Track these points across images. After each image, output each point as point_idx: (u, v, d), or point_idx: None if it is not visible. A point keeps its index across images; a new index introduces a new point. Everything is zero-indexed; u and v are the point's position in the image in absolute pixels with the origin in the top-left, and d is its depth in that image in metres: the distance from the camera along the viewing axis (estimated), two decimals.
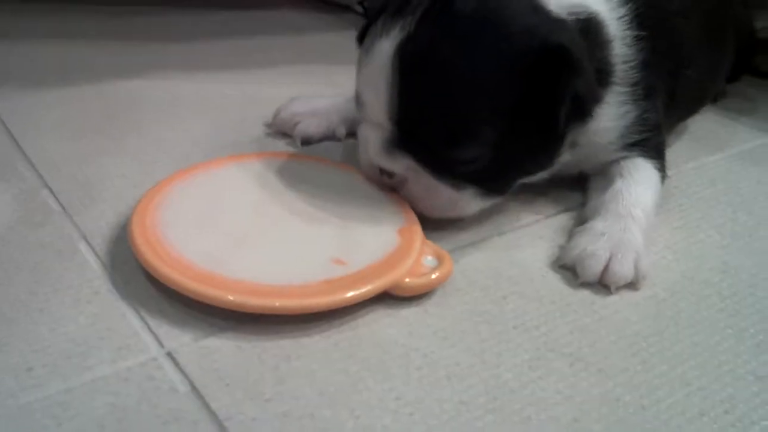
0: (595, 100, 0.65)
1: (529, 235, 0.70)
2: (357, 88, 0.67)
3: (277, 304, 0.55)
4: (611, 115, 0.69)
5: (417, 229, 0.64)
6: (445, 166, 0.64)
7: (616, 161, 0.72)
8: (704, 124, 0.91)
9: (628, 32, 0.69)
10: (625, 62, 0.69)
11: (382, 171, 0.66)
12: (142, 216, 0.62)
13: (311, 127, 0.82)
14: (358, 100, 0.67)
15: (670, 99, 0.76)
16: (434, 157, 0.64)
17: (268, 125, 0.85)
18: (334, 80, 0.98)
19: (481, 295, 0.61)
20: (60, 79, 0.93)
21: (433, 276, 0.60)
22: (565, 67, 0.61)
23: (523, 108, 0.62)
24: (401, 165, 0.65)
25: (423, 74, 0.61)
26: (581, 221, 0.70)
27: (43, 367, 0.51)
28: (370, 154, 0.66)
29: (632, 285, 0.63)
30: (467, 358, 0.55)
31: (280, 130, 0.83)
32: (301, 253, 0.61)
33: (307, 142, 0.82)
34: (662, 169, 0.73)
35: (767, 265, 0.68)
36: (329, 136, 0.83)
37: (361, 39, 0.71)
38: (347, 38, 1.16)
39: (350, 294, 0.56)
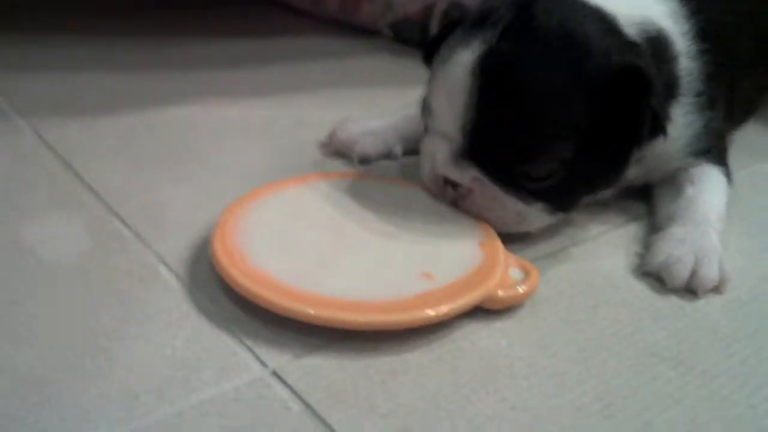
0: (667, 117, 0.66)
1: (603, 245, 0.70)
2: (428, 98, 0.67)
3: (381, 319, 0.54)
4: (678, 125, 0.70)
5: (497, 241, 0.64)
6: (514, 181, 0.64)
7: (684, 169, 0.73)
8: (750, 134, 0.92)
9: (692, 47, 0.71)
10: (690, 75, 0.70)
11: (447, 182, 0.66)
12: (222, 236, 0.61)
13: (369, 146, 0.82)
14: (428, 110, 0.67)
15: (729, 109, 0.77)
16: (504, 170, 0.64)
17: (324, 146, 0.85)
18: (378, 103, 0.98)
19: (570, 304, 0.61)
20: (105, 109, 0.92)
21: (523, 287, 0.60)
22: (644, 86, 0.62)
23: (598, 127, 0.62)
24: (468, 176, 0.65)
25: (502, 87, 0.62)
26: (654, 230, 0.70)
27: (148, 393, 0.50)
28: (436, 164, 0.66)
29: (717, 289, 0.63)
30: (572, 366, 0.54)
31: (337, 150, 0.83)
32: (387, 269, 0.60)
33: (365, 161, 0.82)
34: (728, 175, 0.74)
35: None
36: (386, 155, 0.83)
37: (427, 56, 0.71)
38: (382, 61, 1.19)
39: (450, 307, 0.56)
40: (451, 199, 0.67)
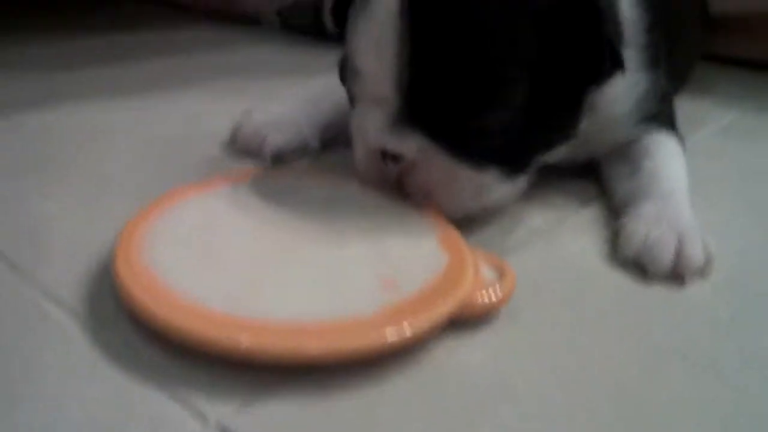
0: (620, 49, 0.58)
1: (566, 232, 0.62)
2: (350, 56, 0.56)
3: (344, 345, 0.43)
4: (624, 82, 0.62)
5: (460, 238, 0.54)
6: (465, 142, 0.54)
7: (634, 141, 0.66)
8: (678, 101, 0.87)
9: None
10: (632, 24, 0.63)
11: (386, 156, 0.56)
12: (126, 258, 0.49)
13: (281, 140, 0.70)
14: (351, 73, 0.56)
15: (670, 69, 0.71)
16: (453, 131, 0.54)
17: (229, 144, 0.73)
18: (274, 93, 0.88)
19: (551, 302, 0.53)
20: None
21: (501, 291, 0.50)
22: (595, 15, 0.54)
23: (550, 65, 0.54)
24: (412, 145, 0.54)
25: (438, 28, 0.52)
26: (616, 211, 0.63)
27: None
28: (370, 136, 0.55)
29: (702, 270, 0.56)
30: (575, 375, 0.46)
31: (244, 148, 0.71)
32: (340, 279, 0.49)
33: (278, 159, 0.70)
34: (682, 141, 0.68)
35: None
36: (302, 149, 0.72)
37: (337, 15, 0.61)
38: (272, 51, 1.08)
39: (428, 322, 0.45)
40: (395, 176, 0.57)
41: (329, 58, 0.63)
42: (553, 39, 0.53)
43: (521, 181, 0.60)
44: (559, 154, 0.63)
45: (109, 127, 0.78)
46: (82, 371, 0.44)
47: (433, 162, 0.55)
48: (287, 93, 0.79)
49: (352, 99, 0.59)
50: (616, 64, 0.56)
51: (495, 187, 0.57)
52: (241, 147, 0.71)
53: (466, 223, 0.58)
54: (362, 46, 0.55)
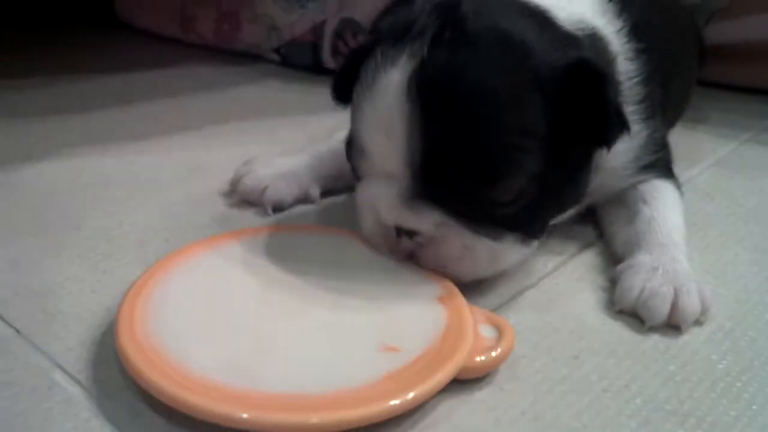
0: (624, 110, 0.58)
1: (564, 281, 0.63)
2: (356, 136, 0.57)
3: (348, 416, 0.44)
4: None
5: (458, 294, 0.55)
6: (481, 214, 0.55)
7: (632, 187, 0.67)
8: (673, 137, 0.88)
9: (628, 45, 0.64)
10: (629, 78, 0.64)
11: (400, 233, 0.56)
12: (128, 328, 0.50)
13: (281, 191, 0.71)
14: (358, 151, 0.57)
15: (664, 113, 0.71)
16: (468, 204, 0.54)
17: (229, 195, 0.74)
18: (275, 137, 0.89)
19: (550, 359, 0.53)
20: None
21: (500, 349, 0.51)
22: (598, 80, 0.54)
23: (559, 132, 0.54)
24: (429, 221, 0.54)
25: (447, 104, 0.52)
26: (614, 258, 0.64)
27: None
28: (383, 213, 0.56)
29: (698, 319, 0.57)
30: None
31: (244, 198, 0.72)
32: (342, 347, 0.50)
33: (278, 208, 0.71)
34: (679, 187, 0.69)
35: None
36: (302, 199, 0.73)
37: (337, 90, 0.62)
38: (271, 89, 1.08)
39: (425, 388, 0.46)
40: (407, 252, 0.57)
41: (328, 96, 0.64)
42: (562, 106, 0.54)
43: (535, 244, 0.60)
44: (572, 211, 0.64)
45: (107, 178, 0.78)
46: None
47: (450, 236, 0.55)
48: (286, 139, 0.80)
49: (357, 174, 0.59)
50: (623, 126, 0.56)
51: (511, 252, 0.58)
52: (241, 196, 0.72)
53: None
54: (370, 125, 0.55)
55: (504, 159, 0.53)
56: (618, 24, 0.64)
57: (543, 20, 0.57)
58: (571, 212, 0.63)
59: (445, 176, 0.53)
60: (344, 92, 0.60)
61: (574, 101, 0.54)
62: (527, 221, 0.57)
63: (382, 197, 0.55)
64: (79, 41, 1.22)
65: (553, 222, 0.62)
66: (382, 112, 0.53)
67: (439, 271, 0.57)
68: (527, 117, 0.53)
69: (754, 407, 0.49)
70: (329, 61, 1.08)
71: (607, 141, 0.56)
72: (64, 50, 1.18)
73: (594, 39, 0.61)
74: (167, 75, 1.09)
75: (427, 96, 0.52)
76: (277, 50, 1.12)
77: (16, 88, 1.01)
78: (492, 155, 0.53)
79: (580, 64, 0.54)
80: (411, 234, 0.56)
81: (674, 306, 0.56)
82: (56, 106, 0.96)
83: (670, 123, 0.80)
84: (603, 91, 0.54)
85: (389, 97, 0.53)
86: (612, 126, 0.55)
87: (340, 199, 0.74)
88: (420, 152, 0.52)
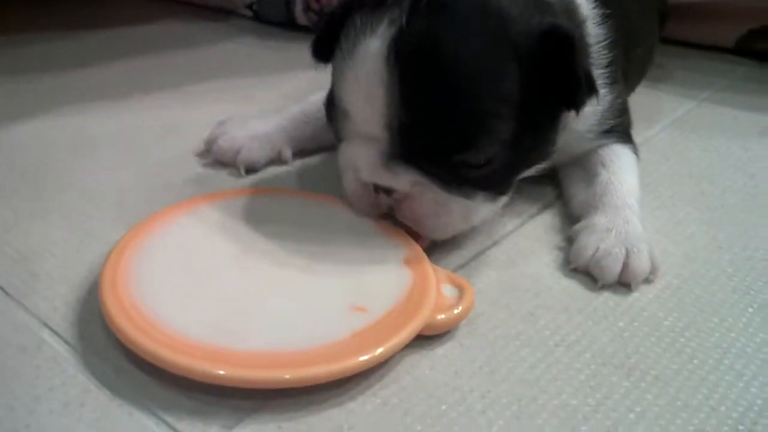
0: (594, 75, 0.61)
1: (522, 240, 0.66)
2: (337, 98, 0.59)
3: (318, 372, 0.48)
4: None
5: (423, 256, 0.59)
6: (456, 175, 0.58)
7: (593, 150, 0.70)
8: (633, 98, 0.91)
9: (595, 11, 0.67)
10: (597, 42, 0.67)
11: (378, 190, 0.59)
12: (112, 288, 0.53)
13: (254, 152, 0.74)
14: (340, 112, 0.59)
15: (626, 79, 0.75)
16: (442, 166, 0.57)
17: (204, 155, 0.76)
18: (250, 95, 0.91)
19: (508, 315, 0.57)
20: None
21: (461, 307, 0.55)
22: (570, 46, 0.57)
23: (531, 97, 0.57)
24: (406, 180, 0.58)
25: (425, 71, 0.54)
26: (571, 217, 0.68)
27: None
28: (363, 173, 0.59)
29: (648, 278, 0.61)
30: (526, 390, 0.50)
31: (218, 159, 0.75)
32: (315, 306, 0.54)
33: (252, 169, 0.74)
34: (636, 151, 0.72)
35: (751, 234, 0.69)
36: (275, 160, 0.75)
37: (317, 50, 0.64)
38: (246, 46, 1.09)
39: (390, 344, 0.50)
40: (386, 208, 0.60)
41: (301, 52, 0.66)
42: (535, 71, 0.56)
43: (504, 199, 0.64)
44: (538, 168, 0.67)
45: (87, 138, 0.80)
46: (74, 397, 0.48)
47: (425, 194, 0.58)
48: (262, 98, 0.82)
49: (337, 134, 0.62)
50: (592, 90, 0.59)
51: (482, 209, 0.61)
52: (215, 158, 0.75)
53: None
54: (352, 90, 0.57)
55: (478, 125, 0.56)
56: None
57: None
58: (535, 169, 0.66)
59: (422, 140, 0.56)
60: (323, 52, 0.62)
61: (546, 66, 0.57)
62: (497, 179, 0.60)
63: (362, 157, 0.59)
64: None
65: (519, 178, 0.65)
66: (363, 79, 0.56)
67: (414, 228, 0.60)
68: (502, 85, 0.56)
69: (695, 361, 0.54)
70: (302, 17, 1.09)
71: (576, 104, 0.59)
72: (43, 8, 1.18)
73: (565, 3, 0.64)
74: (145, 32, 1.10)
75: (406, 64, 0.54)
76: (249, 6, 1.12)
77: (4, 44, 1.02)
78: (466, 122, 0.55)
79: (553, 30, 0.57)
80: (388, 192, 0.59)
81: (625, 266, 0.60)
82: (43, 64, 0.97)
83: (630, 88, 0.83)
84: (574, 55, 0.57)
85: (369, 64, 0.55)
86: (581, 90, 0.58)
87: (314, 161, 0.77)
88: (398, 117, 0.55)
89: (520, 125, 0.57)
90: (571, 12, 0.64)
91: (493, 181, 0.60)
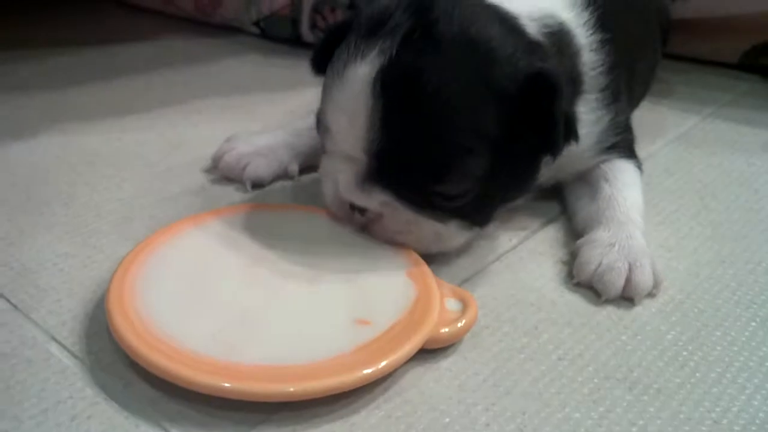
0: (576, 120, 0.62)
1: (526, 255, 0.67)
2: (323, 115, 0.61)
3: (322, 385, 0.48)
4: (585, 123, 0.67)
5: (426, 269, 0.59)
6: (427, 202, 0.59)
7: (596, 166, 0.71)
8: (636, 113, 0.91)
9: (593, 37, 0.68)
10: (593, 69, 0.68)
11: (353, 207, 0.61)
12: (119, 302, 0.54)
13: (261, 168, 0.74)
14: (325, 129, 0.61)
15: (629, 95, 0.75)
16: (415, 192, 0.59)
17: (211, 171, 0.77)
18: (255, 112, 0.92)
19: (512, 328, 0.58)
20: None
21: (464, 321, 0.55)
22: (553, 91, 0.58)
23: (510, 136, 0.58)
24: (377, 201, 0.59)
25: (406, 102, 0.56)
26: (575, 233, 0.68)
27: None
28: (339, 189, 0.60)
29: (651, 292, 0.61)
30: (530, 404, 0.51)
31: (225, 175, 0.75)
32: (319, 320, 0.54)
33: (258, 185, 0.75)
34: (640, 166, 0.73)
35: (755, 249, 0.69)
36: (281, 176, 0.76)
37: (315, 63, 0.65)
38: (251, 63, 1.10)
39: (393, 358, 0.50)
40: (360, 224, 0.62)
41: (307, 70, 0.67)
42: (517, 112, 0.57)
43: (485, 228, 0.65)
44: (519, 201, 0.68)
45: (90, 154, 0.81)
46: (82, 410, 0.49)
47: (396, 215, 0.60)
48: (266, 114, 0.82)
49: (323, 148, 0.63)
50: (570, 137, 0.60)
51: (456, 235, 0.62)
52: (222, 173, 0.75)
53: (432, 256, 0.62)
54: (336, 109, 0.58)
55: (451, 159, 0.57)
56: (585, 16, 0.68)
57: (511, 27, 0.60)
58: (523, 199, 0.67)
59: (397, 167, 0.58)
60: (323, 65, 0.63)
61: (527, 108, 0.58)
62: (472, 212, 0.61)
63: (340, 174, 0.60)
64: (61, 14, 1.22)
65: (501, 210, 0.65)
66: (349, 101, 0.57)
67: (393, 242, 0.61)
68: (480, 124, 0.57)
69: (697, 374, 0.54)
70: (308, 35, 1.10)
71: (553, 148, 0.60)
72: (46, 24, 1.19)
73: (560, 35, 0.65)
74: (149, 48, 1.11)
75: (389, 94, 0.56)
76: (256, 23, 1.14)
77: (5, 60, 1.03)
78: (440, 155, 0.57)
79: (538, 75, 0.57)
80: (362, 210, 0.60)
81: (628, 280, 0.60)
82: (44, 80, 0.98)
83: (635, 104, 0.84)
84: (554, 100, 0.58)
85: (356, 89, 0.57)
86: (558, 138, 0.59)
87: (317, 176, 0.77)
88: (377, 142, 0.56)
89: (498, 162, 0.58)
90: (565, 46, 0.65)
91: (466, 212, 0.61)
